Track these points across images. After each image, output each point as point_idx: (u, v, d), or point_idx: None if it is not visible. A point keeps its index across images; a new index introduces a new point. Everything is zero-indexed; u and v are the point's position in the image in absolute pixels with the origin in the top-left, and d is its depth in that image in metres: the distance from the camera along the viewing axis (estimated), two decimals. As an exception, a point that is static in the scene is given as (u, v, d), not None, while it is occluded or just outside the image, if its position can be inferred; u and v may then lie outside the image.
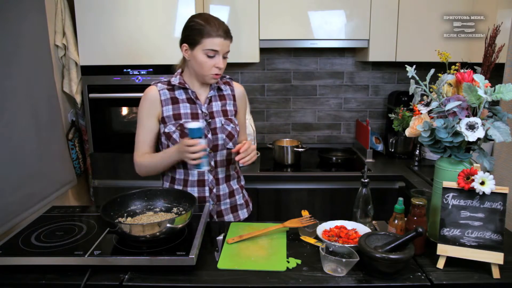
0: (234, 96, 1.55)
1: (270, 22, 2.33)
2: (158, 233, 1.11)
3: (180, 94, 1.46)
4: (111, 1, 2.08)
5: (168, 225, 1.12)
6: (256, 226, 1.40)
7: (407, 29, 2.34)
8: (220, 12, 2.33)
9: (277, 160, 2.47)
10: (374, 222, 1.43)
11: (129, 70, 2.16)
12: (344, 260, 1.09)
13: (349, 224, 1.32)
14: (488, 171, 1.13)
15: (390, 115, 1.86)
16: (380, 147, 2.60)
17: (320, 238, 1.25)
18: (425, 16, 2.31)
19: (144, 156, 1.46)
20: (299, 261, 1.16)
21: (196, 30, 1.35)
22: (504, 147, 1.60)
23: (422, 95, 1.27)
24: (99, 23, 2.10)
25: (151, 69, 2.16)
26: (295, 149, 2.43)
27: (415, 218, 1.21)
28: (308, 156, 2.60)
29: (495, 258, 1.09)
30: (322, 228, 1.30)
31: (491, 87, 1.14)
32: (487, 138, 1.15)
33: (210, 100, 1.48)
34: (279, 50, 2.74)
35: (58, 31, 2.14)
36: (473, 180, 1.11)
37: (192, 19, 1.39)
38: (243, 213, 1.59)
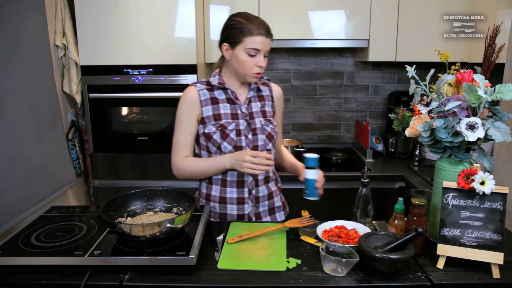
0: (272, 97, 1.54)
1: (270, 22, 2.31)
2: (158, 233, 1.11)
3: (219, 94, 1.44)
4: (111, 1, 2.08)
5: (168, 225, 1.12)
6: (256, 226, 1.40)
7: (407, 29, 2.34)
8: (220, 12, 2.33)
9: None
10: (374, 222, 1.43)
11: (129, 70, 2.16)
12: (344, 260, 1.09)
13: (349, 224, 1.32)
14: (488, 171, 1.13)
15: (390, 115, 1.86)
16: (380, 147, 2.60)
17: (320, 238, 1.25)
18: (425, 16, 2.31)
19: (186, 159, 1.44)
20: (299, 261, 1.16)
21: (237, 29, 1.34)
22: (504, 147, 1.60)
23: (422, 95, 1.27)
24: (99, 23, 2.10)
25: (151, 69, 2.16)
26: (295, 149, 2.43)
27: (415, 218, 1.21)
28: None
29: (495, 258, 1.09)
30: (322, 228, 1.30)
31: (491, 87, 1.14)
32: (487, 138, 1.15)
33: (249, 101, 1.47)
34: (279, 50, 2.74)
35: (58, 31, 2.14)
36: (473, 180, 1.11)
37: (232, 18, 1.38)
38: (280, 216, 1.57)
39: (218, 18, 2.34)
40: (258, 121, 1.46)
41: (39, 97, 1.76)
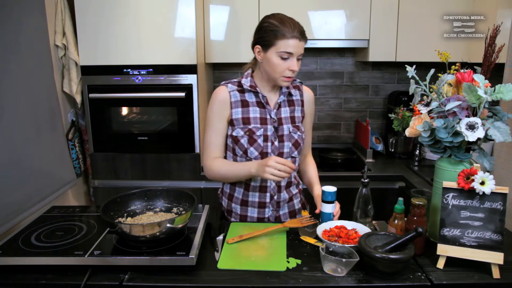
0: (302, 101, 1.51)
1: (270, 22, 2.33)
2: (158, 233, 1.11)
3: (250, 97, 1.42)
4: (111, 1, 2.08)
5: (168, 225, 1.12)
6: (256, 226, 1.40)
7: (407, 29, 2.34)
8: (220, 12, 2.33)
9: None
10: (374, 222, 1.43)
11: (129, 70, 2.16)
12: (344, 260, 1.09)
13: (349, 224, 1.32)
14: (488, 171, 1.13)
15: (390, 115, 1.86)
16: (380, 147, 2.60)
17: (320, 238, 1.25)
18: (425, 16, 2.31)
19: (216, 162, 1.43)
20: (299, 261, 1.16)
21: (270, 31, 1.30)
22: (504, 147, 1.60)
23: (422, 95, 1.27)
24: (99, 23, 2.10)
25: (151, 69, 2.16)
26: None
27: (415, 218, 1.21)
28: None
29: (495, 258, 1.09)
30: (322, 228, 1.30)
31: (491, 87, 1.14)
32: (487, 138, 1.15)
33: (279, 106, 1.45)
34: (279, 50, 2.73)
35: (58, 31, 2.14)
36: (473, 180, 1.11)
37: (266, 20, 1.35)
38: (300, 216, 1.56)
39: (218, 18, 2.34)
40: (286, 128, 1.44)
41: (39, 97, 1.76)
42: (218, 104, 1.41)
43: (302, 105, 1.51)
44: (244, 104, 1.41)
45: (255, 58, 1.42)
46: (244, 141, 1.40)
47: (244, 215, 1.49)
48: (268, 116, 1.42)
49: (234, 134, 1.41)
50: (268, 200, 1.47)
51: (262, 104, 1.43)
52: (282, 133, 1.43)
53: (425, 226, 1.22)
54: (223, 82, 1.45)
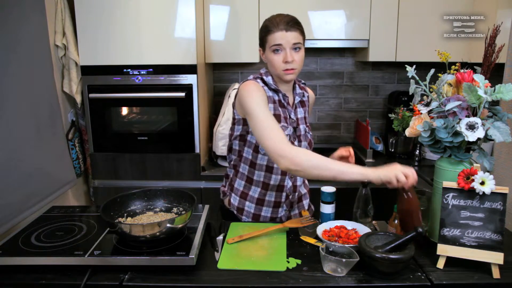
0: (308, 102, 1.55)
1: (270, 22, 2.33)
2: (158, 233, 1.11)
3: (273, 95, 1.42)
4: (111, 1, 2.08)
5: (168, 225, 1.12)
6: (256, 226, 1.40)
7: (407, 29, 2.34)
8: (220, 12, 2.33)
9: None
10: (374, 222, 1.43)
11: (129, 70, 2.16)
12: (344, 260, 1.09)
13: (349, 224, 1.32)
14: (488, 171, 1.13)
15: (390, 115, 1.86)
16: (380, 147, 2.60)
17: (320, 238, 1.25)
18: (425, 16, 2.31)
19: (302, 149, 1.26)
20: (299, 261, 1.16)
21: (262, 31, 1.37)
22: (504, 147, 1.60)
23: (422, 95, 1.27)
24: (99, 23, 2.10)
25: (151, 69, 2.16)
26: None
27: (405, 196, 1.17)
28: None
29: (495, 258, 1.09)
30: (322, 228, 1.30)
31: (491, 87, 1.14)
32: (487, 138, 1.15)
33: (295, 107, 1.47)
34: (279, 50, 2.74)
35: (58, 31, 2.14)
36: (473, 180, 1.11)
37: (263, 23, 1.39)
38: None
39: (218, 18, 2.34)
40: (303, 128, 1.46)
41: (39, 97, 1.76)
42: (261, 94, 1.33)
43: (307, 106, 1.55)
44: (273, 101, 1.41)
45: None
46: None
47: (258, 214, 1.49)
48: (288, 116, 1.44)
49: None
50: (283, 199, 1.48)
51: (282, 104, 1.43)
52: (299, 133, 1.45)
53: (417, 204, 1.17)
54: (251, 77, 1.40)
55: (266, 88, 1.40)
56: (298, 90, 1.47)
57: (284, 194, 1.47)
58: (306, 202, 1.57)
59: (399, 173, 1.12)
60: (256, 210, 1.48)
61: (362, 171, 1.15)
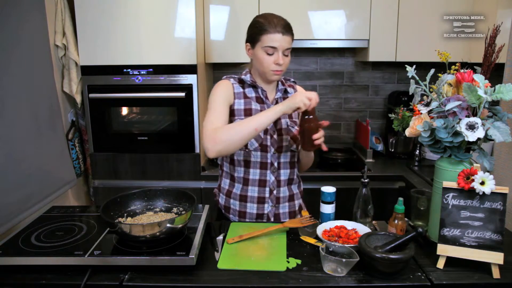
0: None
1: (270, 22, 2.33)
2: (158, 233, 1.11)
3: (250, 92, 1.46)
4: (111, 1, 2.08)
5: (168, 225, 1.12)
6: (256, 226, 1.40)
7: (407, 29, 2.34)
8: (220, 12, 2.33)
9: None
10: (374, 222, 1.43)
11: (129, 70, 2.16)
12: (344, 260, 1.09)
13: (349, 224, 1.32)
14: (488, 171, 1.13)
15: (390, 115, 1.86)
16: (380, 147, 2.60)
17: (320, 238, 1.25)
18: (425, 16, 2.31)
19: (221, 127, 1.31)
20: (299, 261, 1.16)
21: (256, 28, 1.37)
22: (504, 147, 1.60)
23: (422, 95, 1.27)
24: (99, 23, 2.10)
25: (151, 69, 2.16)
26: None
27: (306, 116, 1.28)
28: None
29: (495, 258, 1.09)
30: (322, 228, 1.30)
31: (491, 87, 1.14)
32: (487, 138, 1.15)
33: (276, 102, 1.48)
34: (279, 50, 2.74)
35: (58, 31, 2.14)
36: (473, 180, 1.11)
37: (254, 18, 1.41)
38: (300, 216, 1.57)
39: (218, 18, 2.34)
40: (284, 122, 1.47)
41: (39, 97, 1.76)
42: (223, 89, 1.42)
43: None
44: (246, 97, 1.45)
45: None
46: None
47: (243, 211, 1.49)
48: None
49: None
50: (267, 195, 1.47)
51: (261, 100, 1.46)
52: (280, 127, 1.46)
53: (316, 123, 1.28)
54: (224, 76, 1.49)
55: (237, 85, 1.45)
56: (280, 87, 1.50)
57: (267, 189, 1.47)
58: (298, 202, 1.56)
59: (303, 98, 1.25)
60: (241, 207, 1.49)
61: (275, 109, 1.28)
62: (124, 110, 2.29)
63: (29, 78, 1.69)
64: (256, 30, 1.37)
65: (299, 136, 1.36)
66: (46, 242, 1.18)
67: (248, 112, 1.42)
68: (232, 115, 1.42)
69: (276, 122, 1.45)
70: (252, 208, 1.48)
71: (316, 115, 1.31)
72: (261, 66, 1.39)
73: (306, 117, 1.29)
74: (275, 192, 1.48)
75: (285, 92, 1.52)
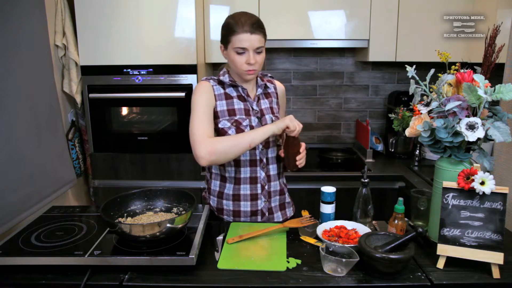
0: (277, 94, 1.57)
1: (270, 22, 2.33)
2: (158, 233, 1.11)
3: (231, 92, 1.46)
4: (111, 1, 2.08)
5: (168, 225, 1.12)
6: (256, 226, 1.40)
7: (407, 29, 2.34)
8: (220, 12, 2.33)
9: (277, 160, 2.47)
10: (374, 222, 1.43)
11: (129, 70, 2.16)
12: (344, 260, 1.09)
13: (349, 224, 1.32)
14: (488, 171, 1.13)
15: (390, 115, 1.85)
16: (380, 147, 2.60)
17: (320, 238, 1.25)
18: (425, 16, 2.31)
19: (214, 138, 1.33)
20: (299, 261, 1.16)
21: (226, 29, 1.37)
22: (504, 147, 1.60)
23: (422, 95, 1.27)
24: (99, 23, 2.10)
25: (151, 69, 2.16)
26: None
27: (289, 140, 1.37)
28: (308, 156, 2.56)
29: (495, 258, 1.09)
30: (322, 228, 1.30)
31: (491, 87, 1.14)
32: (487, 138, 1.15)
33: (258, 98, 1.49)
34: (279, 50, 2.74)
35: (58, 31, 2.14)
36: (473, 180, 1.11)
37: (226, 19, 1.40)
38: (290, 211, 1.59)
39: (218, 18, 2.34)
40: (268, 118, 1.47)
41: (39, 97, 1.76)
42: (204, 92, 1.41)
43: (277, 98, 1.56)
44: (228, 97, 1.45)
45: None
46: (232, 132, 1.41)
47: (237, 210, 1.48)
48: (250, 108, 1.46)
49: (220, 126, 1.42)
50: (259, 191, 1.47)
51: (243, 98, 1.46)
52: (265, 123, 1.46)
53: (298, 146, 1.39)
54: (203, 78, 1.48)
55: (217, 86, 1.45)
56: (259, 83, 1.50)
57: (259, 185, 1.47)
58: (287, 195, 1.58)
59: (289, 122, 1.32)
60: (235, 207, 1.48)
61: (267, 128, 1.33)
62: (124, 110, 2.29)
63: (29, 78, 1.69)
64: (226, 31, 1.36)
65: (282, 156, 1.45)
66: (46, 242, 1.18)
67: (232, 112, 1.43)
68: (216, 117, 1.42)
69: (261, 118, 1.46)
70: (246, 206, 1.48)
71: (299, 140, 1.40)
72: (234, 66, 1.39)
73: (291, 140, 1.38)
74: (266, 187, 1.49)
75: (265, 87, 1.53)
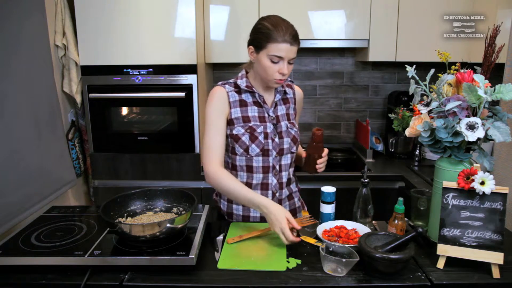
0: (295, 99, 1.54)
1: (270, 22, 2.34)
2: (158, 233, 1.11)
3: (247, 97, 1.43)
4: (111, 1, 2.08)
5: (168, 225, 1.12)
6: (256, 226, 1.40)
7: (407, 29, 2.34)
8: (220, 12, 2.33)
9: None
10: (374, 222, 1.43)
11: (129, 70, 2.16)
12: (344, 260, 1.09)
13: (349, 224, 1.32)
14: (488, 171, 1.13)
15: (390, 115, 1.85)
16: (380, 147, 2.60)
17: (320, 238, 1.25)
18: (425, 16, 2.31)
19: (221, 174, 1.34)
20: (299, 261, 1.16)
21: (263, 33, 1.31)
22: (504, 147, 1.60)
23: (422, 95, 1.27)
24: (99, 23, 2.10)
25: (151, 69, 2.16)
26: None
27: (314, 143, 1.38)
28: (308, 156, 2.60)
29: (495, 258, 1.09)
30: (322, 228, 1.30)
31: (491, 87, 1.14)
32: (487, 138, 1.15)
33: (275, 104, 1.47)
34: (279, 50, 2.73)
35: (58, 31, 2.14)
36: (473, 180, 1.11)
37: (260, 22, 1.36)
38: (300, 216, 1.57)
39: (218, 18, 2.34)
40: (284, 125, 1.46)
41: (39, 97, 1.76)
42: (217, 102, 1.40)
43: (294, 103, 1.54)
44: (243, 103, 1.42)
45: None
46: (245, 138, 1.40)
47: (247, 215, 1.48)
48: (266, 115, 1.44)
49: (234, 132, 1.41)
50: (270, 198, 1.46)
51: (259, 104, 1.44)
52: (280, 130, 1.45)
53: (321, 151, 1.43)
54: (219, 82, 1.45)
55: (232, 93, 1.42)
56: (279, 88, 1.48)
57: (270, 192, 1.46)
58: (297, 199, 1.57)
59: (279, 231, 1.21)
60: (245, 212, 1.48)
61: (258, 201, 1.27)
62: (124, 110, 2.29)
63: (29, 78, 1.69)
64: (263, 36, 1.31)
65: (303, 158, 1.48)
66: (46, 242, 1.18)
67: (246, 119, 1.41)
68: (231, 124, 1.41)
69: (276, 125, 1.44)
70: (255, 211, 1.47)
71: (323, 145, 1.43)
72: (264, 73, 1.35)
73: (315, 144, 1.40)
74: (277, 194, 1.47)
75: (284, 93, 1.50)
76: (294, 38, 1.31)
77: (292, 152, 1.48)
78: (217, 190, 1.41)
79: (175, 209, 1.32)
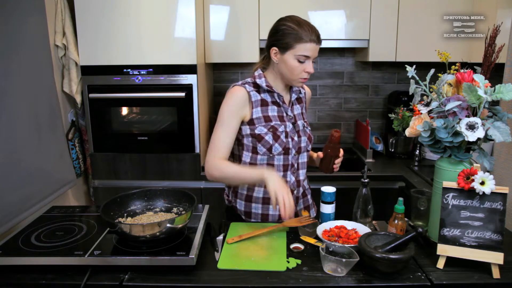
0: (305, 98, 1.58)
1: (270, 22, 2.33)
2: (158, 233, 1.11)
3: (266, 97, 1.44)
4: (111, 1, 2.08)
5: (168, 225, 1.12)
6: (256, 226, 1.40)
7: (407, 29, 2.34)
8: (220, 12, 2.33)
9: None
10: (374, 222, 1.43)
11: (129, 70, 2.16)
12: (344, 260, 1.09)
13: (349, 224, 1.32)
14: (488, 171, 1.13)
15: (390, 115, 1.85)
16: (380, 147, 2.60)
17: (320, 238, 1.25)
18: (425, 16, 2.31)
19: (225, 161, 1.38)
20: (299, 261, 1.16)
21: (289, 34, 1.33)
22: (504, 147, 1.60)
23: (422, 95, 1.27)
24: (99, 23, 2.10)
25: (151, 69, 2.16)
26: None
27: (331, 144, 1.40)
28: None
29: (495, 258, 1.09)
30: (322, 228, 1.30)
31: (491, 87, 1.14)
32: (487, 138, 1.15)
33: (292, 104, 1.49)
34: (279, 50, 2.74)
35: (58, 31, 2.14)
36: (473, 180, 1.11)
37: (283, 23, 1.36)
38: (312, 213, 1.60)
39: (218, 18, 2.34)
40: (301, 124, 1.48)
41: (39, 97, 1.76)
42: (237, 102, 1.39)
43: (305, 102, 1.57)
44: (264, 103, 1.43)
45: (264, 58, 1.47)
46: (269, 137, 1.40)
47: (266, 214, 1.48)
48: (284, 114, 1.45)
49: (257, 132, 1.40)
50: None
51: (277, 103, 1.45)
52: (298, 129, 1.47)
53: (338, 151, 1.43)
54: (239, 82, 1.44)
55: (254, 92, 1.42)
56: (294, 88, 1.49)
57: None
58: (310, 196, 1.58)
59: (276, 193, 1.24)
60: (264, 210, 1.48)
61: (260, 171, 1.31)
62: (124, 110, 2.29)
63: (29, 78, 1.69)
64: (290, 37, 1.32)
65: (314, 158, 1.51)
66: (46, 242, 1.18)
67: (267, 119, 1.41)
68: (252, 124, 1.40)
69: (294, 124, 1.46)
70: (274, 210, 1.47)
71: (340, 145, 1.44)
72: (290, 73, 1.37)
73: (332, 145, 1.41)
74: (295, 192, 1.49)
75: (299, 93, 1.53)
76: (318, 37, 1.35)
77: (308, 151, 1.51)
78: (217, 179, 1.38)
79: (175, 209, 1.32)
